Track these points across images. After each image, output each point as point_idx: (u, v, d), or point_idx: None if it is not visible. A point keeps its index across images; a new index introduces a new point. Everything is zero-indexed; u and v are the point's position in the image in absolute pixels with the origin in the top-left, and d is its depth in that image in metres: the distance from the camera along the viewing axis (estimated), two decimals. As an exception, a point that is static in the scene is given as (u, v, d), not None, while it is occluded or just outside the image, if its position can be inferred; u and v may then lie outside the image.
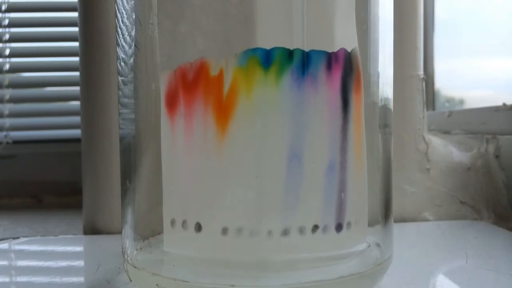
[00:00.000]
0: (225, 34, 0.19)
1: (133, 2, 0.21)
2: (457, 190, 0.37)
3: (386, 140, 0.22)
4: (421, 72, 0.37)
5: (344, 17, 0.19)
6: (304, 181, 0.18)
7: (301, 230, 0.18)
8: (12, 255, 0.30)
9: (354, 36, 0.19)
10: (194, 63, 0.18)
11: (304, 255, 0.19)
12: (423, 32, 0.37)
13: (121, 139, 0.22)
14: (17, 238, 0.34)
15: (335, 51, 0.18)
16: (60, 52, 0.55)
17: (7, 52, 0.53)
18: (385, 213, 0.22)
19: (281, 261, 0.19)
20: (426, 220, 0.37)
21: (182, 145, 0.19)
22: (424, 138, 0.37)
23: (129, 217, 0.21)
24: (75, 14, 0.37)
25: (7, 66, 0.53)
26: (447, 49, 0.52)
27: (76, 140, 0.44)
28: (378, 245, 0.21)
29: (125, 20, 0.21)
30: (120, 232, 0.22)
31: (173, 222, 0.19)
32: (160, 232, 0.20)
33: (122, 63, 0.22)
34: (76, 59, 0.43)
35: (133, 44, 0.21)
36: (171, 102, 0.19)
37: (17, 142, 0.53)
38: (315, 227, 0.18)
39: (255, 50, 0.18)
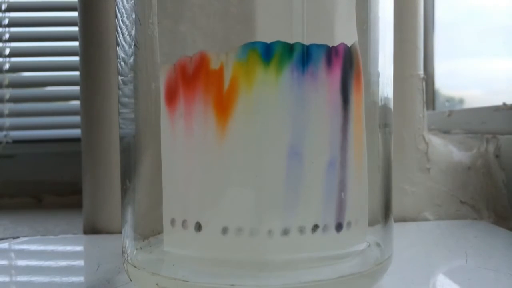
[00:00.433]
0: (225, 29, 0.19)
1: (133, 1, 0.21)
2: (457, 190, 0.37)
3: (386, 139, 0.22)
4: (421, 71, 0.37)
5: (344, 12, 0.19)
6: (304, 181, 0.18)
7: (301, 230, 0.18)
8: (12, 254, 0.30)
9: (354, 31, 0.19)
10: (194, 57, 0.18)
11: (304, 254, 0.19)
12: (423, 32, 0.37)
13: (121, 138, 0.22)
14: (17, 237, 0.34)
15: (335, 45, 0.18)
16: (60, 51, 0.55)
17: (7, 51, 0.53)
18: (385, 213, 0.22)
19: (281, 260, 0.19)
20: (426, 219, 0.37)
21: (182, 140, 0.18)
22: (424, 138, 0.37)
23: (129, 216, 0.21)
24: (75, 14, 0.37)
25: (7, 66, 0.53)
26: (447, 48, 0.52)
27: (76, 140, 0.44)
28: (378, 244, 0.21)
29: (125, 19, 0.21)
30: (120, 232, 0.22)
31: (173, 222, 0.19)
32: (160, 231, 0.20)
33: (122, 63, 0.22)
34: (76, 58, 0.43)
35: (133, 44, 0.21)
36: (171, 96, 0.19)
37: (17, 141, 0.53)
38: (315, 227, 0.18)
39: (254, 43, 0.18)
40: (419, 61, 0.37)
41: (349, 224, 0.19)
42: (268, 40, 0.18)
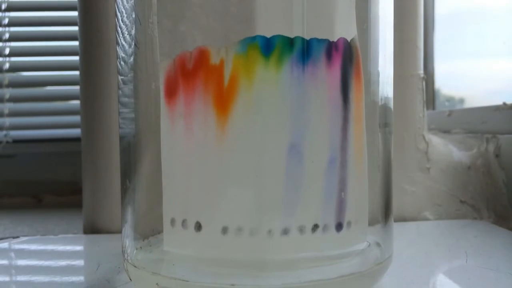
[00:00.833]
0: (225, 24, 0.19)
1: (132, 1, 0.21)
2: (457, 190, 0.37)
3: (386, 139, 0.22)
4: (421, 71, 0.37)
5: (344, 7, 0.19)
6: (304, 180, 0.18)
7: (301, 230, 0.18)
8: (12, 254, 0.30)
9: (353, 26, 0.19)
10: (193, 52, 0.18)
11: (304, 254, 0.19)
12: (423, 31, 0.37)
13: (121, 138, 0.22)
14: (17, 237, 0.34)
15: (335, 40, 0.18)
16: (60, 51, 0.55)
17: (7, 51, 0.53)
18: (385, 212, 0.22)
19: (281, 260, 0.19)
20: (426, 219, 0.37)
21: (182, 135, 0.18)
22: (424, 137, 0.37)
23: (129, 216, 0.21)
24: (75, 13, 0.37)
25: (7, 65, 0.53)
26: (447, 48, 0.52)
27: (76, 139, 0.44)
28: (378, 244, 0.21)
29: (125, 19, 0.21)
30: (120, 232, 0.22)
31: (173, 222, 0.19)
32: (160, 231, 0.20)
33: (122, 62, 0.22)
34: (76, 58, 0.43)
35: (133, 43, 0.21)
36: (171, 92, 0.19)
37: (17, 141, 0.53)
38: (315, 227, 0.18)
39: (254, 38, 0.17)
40: (419, 60, 0.37)
41: (349, 223, 0.19)
42: (268, 34, 0.18)
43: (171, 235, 0.19)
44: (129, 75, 0.22)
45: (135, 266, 0.20)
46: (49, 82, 0.55)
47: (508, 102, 0.37)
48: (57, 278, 0.24)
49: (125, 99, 0.22)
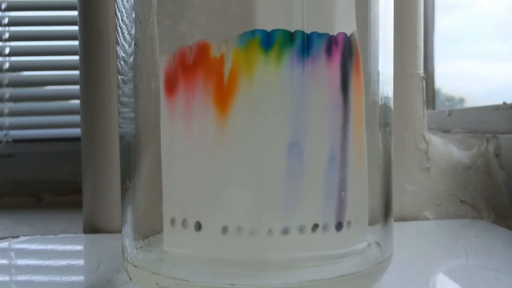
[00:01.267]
0: (225, 21, 0.19)
1: (132, 0, 0.20)
2: (457, 189, 0.37)
3: (386, 139, 0.22)
4: (421, 70, 0.37)
5: (343, 1, 0.19)
6: (304, 180, 0.18)
7: (301, 229, 0.18)
8: (12, 254, 0.30)
9: (353, 21, 0.19)
10: (194, 45, 0.18)
11: (304, 254, 0.19)
12: (423, 31, 0.37)
13: (121, 138, 0.22)
14: (17, 237, 0.34)
15: (335, 34, 0.18)
16: (60, 50, 0.55)
17: (7, 51, 0.53)
18: (385, 212, 0.22)
19: (281, 260, 0.19)
20: (426, 219, 0.37)
21: (182, 131, 0.18)
22: (424, 137, 0.37)
23: (129, 216, 0.21)
24: (75, 13, 0.37)
25: (7, 65, 0.53)
26: (447, 47, 0.52)
27: (76, 139, 0.44)
28: (378, 244, 0.21)
29: (125, 18, 0.21)
30: (120, 231, 0.22)
31: (173, 221, 0.19)
32: (160, 231, 0.20)
33: (122, 62, 0.22)
34: (76, 57, 0.43)
35: (133, 43, 0.21)
36: (171, 86, 0.19)
37: (17, 141, 0.53)
38: (315, 226, 0.18)
39: (254, 31, 0.17)
40: (419, 60, 0.37)
41: (349, 223, 0.19)
42: (268, 29, 0.17)
43: (171, 234, 0.19)
44: (129, 75, 0.22)
45: (135, 266, 0.20)
46: (49, 81, 0.55)
47: (508, 101, 0.37)
48: (57, 278, 0.24)
49: (125, 99, 0.22)
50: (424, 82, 0.37)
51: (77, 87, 0.52)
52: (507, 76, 0.44)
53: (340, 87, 0.18)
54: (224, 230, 0.18)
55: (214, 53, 0.18)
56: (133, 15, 0.21)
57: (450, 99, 0.55)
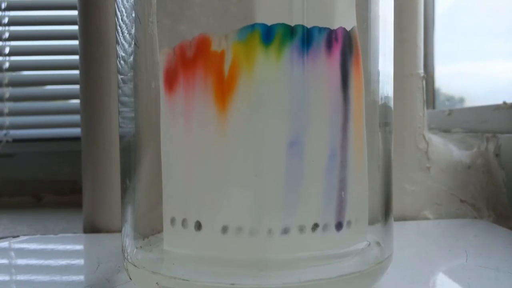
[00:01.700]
0: (225, 19, 0.18)
1: (132, 0, 0.20)
2: (457, 189, 0.37)
3: (386, 138, 0.22)
4: (421, 70, 0.37)
5: None
6: (304, 180, 0.18)
7: (301, 229, 0.18)
8: (12, 253, 0.30)
9: (353, 16, 0.19)
10: (194, 39, 0.18)
11: (304, 253, 0.19)
12: (423, 31, 0.37)
13: (121, 137, 0.22)
14: (17, 236, 0.34)
15: (335, 29, 0.18)
16: (60, 50, 0.55)
17: (7, 50, 0.53)
18: (385, 212, 0.22)
19: (281, 259, 0.19)
20: (426, 218, 0.37)
21: (182, 126, 0.18)
22: (424, 137, 0.37)
23: (129, 215, 0.21)
24: (75, 12, 0.37)
25: (7, 65, 0.53)
26: (447, 47, 0.52)
27: (76, 139, 0.44)
28: (378, 243, 0.21)
29: (125, 18, 0.21)
30: (120, 231, 0.22)
31: (173, 221, 0.19)
32: (160, 230, 0.20)
33: (122, 62, 0.22)
34: (76, 57, 0.43)
35: (133, 43, 0.21)
36: (171, 81, 0.19)
37: (17, 140, 0.53)
38: (315, 226, 0.18)
39: (254, 25, 0.17)
40: (419, 60, 0.37)
41: (349, 223, 0.19)
42: (268, 22, 0.17)
43: (171, 234, 0.19)
44: (129, 74, 0.21)
45: (135, 266, 0.20)
46: (49, 81, 0.55)
47: (508, 101, 0.37)
48: (57, 278, 0.24)
49: (125, 98, 0.22)
50: (424, 82, 0.37)
51: (77, 86, 0.52)
52: (507, 76, 0.44)
53: (340, 82, 0.18)
54: (224, 229, 0.18)
55: (215, 47, 0.18)
56: (133, 15, 0.20)
57: (450, 98, 0.55)
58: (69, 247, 0.32)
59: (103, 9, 0.35)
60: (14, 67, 0.54)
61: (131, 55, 0.21)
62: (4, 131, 0.53)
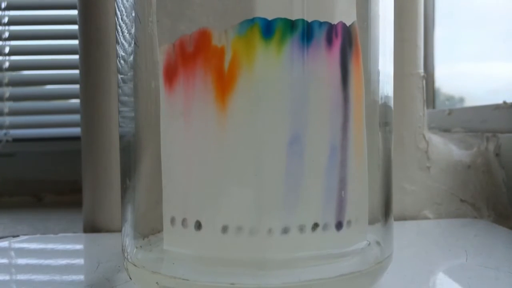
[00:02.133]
0: (225, 16, 0.18)
1: (132, 0, 0.20)
2: (457, 188, 0.37)
3: (386, 138, 0.22)
4: (421, 70, 0.37)
5: None
6: (304, 179, 0.18)
7: (301, 228, 0.18)
8: (12, 253, 0.30)
9: (353, 11, 0.19)
10: (194, 33, 0.18)
11: (304, 253, 0.19)
12: (423, 30, 0.37)
13: (121, 137, 0.22)
14: (17, 236, 0.34)
15: (335, 23, 0.18)
16: (60, 50, 0.55)
17: (7, 50, 0.53)
18: (385, 211, 0.22)
19: (281, 259, 0.19)
20: (426, 218, 0.37)
21: (182, 124, 0.18)
22: (424, 136, 0.37)
23: (129, 215, 0.21)
24: (74, 12, 0.37)
25: (6, 64, 0.53)
26: (447, 47, 0.52)
27: (76, 138, 0.44)
28: (378, 243, 0.21)
29: (125, 18, 0.21)
30: (120, 231, 0.22)
31: (173, 220, 0.19)
32: (160, 230, 0.20)
33: (122, 61, 0.22)
34: (76, 57, 0.43)
35: (133, 42, 0.21)
36: (170, 77, 0.19)
37: (17, 140, 0.53)
38: (315, 225, 0.18)
39: (254, 19, 0.17)
40: (419, 59, 0.37)
41: (349, 222, 0.19)
42: (269, 16, 0.17)
43: (171, 234, 0.19)
44: (129, 74, 0.21)
45: (135, 265, 0.20)
46: (49, 81, 0.55)
47: (508, 101, 0.37)
48: (57, 277, 0.24)
49: (125, 98, 0.22)
50: (424, 82, 0.37)
51: (77, 86, 0.52)
52: (507, 76, 0.44)
53: (340, 77, 0.18)
54: (224, 229, 0.18)
55: (215, 41, 0.18)
56: (133, 14, 0.20)
57: (450, 98, 0.55)
58: (69, 246, 0.32)
59: (103, 8, 0.35)
60: (14, 67, 0.54)
61: (131, 54, 0.21)
62: (4, 131, 0.53)
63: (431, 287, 0.23)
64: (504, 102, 0.38)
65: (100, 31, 0.35)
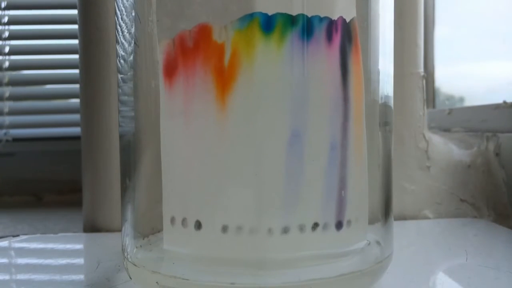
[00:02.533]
0: (225, 16, 0.18)
1: (132, -1, 0.20)
2: (457, 188, 0.37)
3: (386, 138, 0.22)
4: (421, 69, 0.37)
5: None
6: (304, 179, 0.18)
7: (301, 228, 0.18)
8: (12, 253, 0.30)
9: (353, 7, 0.19)
10: (194, 28, 0.18)
11: (304, 253, 0.19)
12: (423, 30, 0.37)
13: (121, 137, 0.22)
14: (17, 236, 0.34)
15: (335, 19, 0.18)
16: (59, 49, 0.55)
17: (7, 49, 0.53)
18: (385, 211, 0.22)
19: (281, 259, 0.19)
20: (426, 218, 0.37)
21: (182, 120, 0.18)
22: (424, 136, 0.37)
23: (129, 215, 0.21)
24: (74, 12, 0.37)
25: (6, 64, 0.53)
26: (447, 46, 0.52)
27: (76, 138, 0.44)
28: (378, 243, 0.21)
29: (125, 17, 0.21)
30: (120, 230, 0.22)
31: (173, 220, 0.19)
32: (160, 230, 0.20)
33: (122, 61, 0.22)
34: (76, 56, 0.43)
35: (133, 42, 0.21)
36: (170, 73, 0.19)
37: (17, 140, 0.53)
38: (315, 225, 0.18)
39: (253, 14, 0.17)
40: (419, 59, 0.37)
41: (349, 222, 0.19)
42: (269, 13, 0.17)
43: (171, 233, 0.19)
44: (128, 74, 0.21)
45: (135, 265, 0.20)
46: (49, 80, 0.55)
47: (508, 100, 0.37)
48: (57, 277, 0.24)
49: (124, 98, 0.22)
50: (424, 81, 0.37)
51: (77, 86, 0.52)
52: (507, 75, 0.44)
53: (340, 72, 0.18)
54: (224, 229, 0.18)
55: (215, 36, 0.18)
56: (133, 14, 0.20)
57: (450, 98, 0.55)
58: (69, 246, 0.32)
59: (103, 8, 0.35)
60: (14, 66, 0.54)
61: (131, 54, 0.21)
62: (4, 130, 0.53)
63: (431, 287, 0.23)
64: (504, 102, 0.38)
65: (100, 31, 0.35)
